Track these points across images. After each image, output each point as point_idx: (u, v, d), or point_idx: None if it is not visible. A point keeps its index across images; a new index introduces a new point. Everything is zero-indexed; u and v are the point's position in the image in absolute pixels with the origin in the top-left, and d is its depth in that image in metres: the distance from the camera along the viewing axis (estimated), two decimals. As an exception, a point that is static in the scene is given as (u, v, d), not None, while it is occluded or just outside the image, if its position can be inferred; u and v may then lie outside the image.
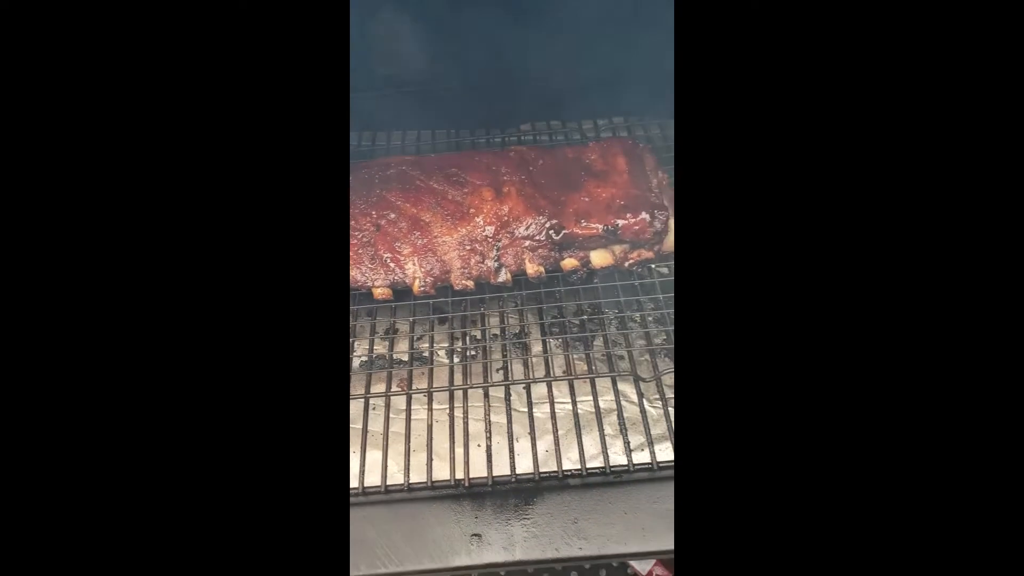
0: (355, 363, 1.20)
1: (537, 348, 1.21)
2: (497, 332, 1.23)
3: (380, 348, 1.22)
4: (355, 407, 1.12)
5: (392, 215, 1.23)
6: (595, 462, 1.02)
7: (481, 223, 1.20)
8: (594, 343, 1.20)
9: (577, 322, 1.22)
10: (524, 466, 1.02)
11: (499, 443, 1.06)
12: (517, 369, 1.17)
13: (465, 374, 1.15)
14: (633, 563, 1.96)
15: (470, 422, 1.07)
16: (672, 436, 1.04)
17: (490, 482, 1.01)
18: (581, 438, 1.04)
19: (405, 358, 1.20)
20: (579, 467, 1.01)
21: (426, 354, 1.20)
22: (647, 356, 1.15)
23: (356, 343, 1.22)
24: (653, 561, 1.92)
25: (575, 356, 1.17)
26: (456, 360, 1.19)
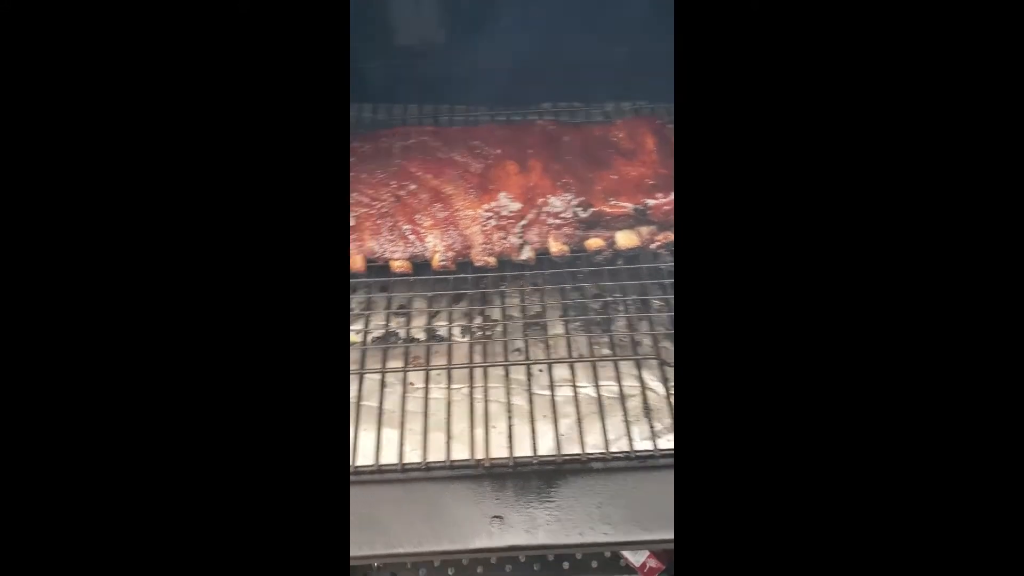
0: (369, 338, 1.16)
1: (558, 329, 1.17)
2: (518, 312, 1.19)
3: (396, 324, 1.18)
4: (369, 383, 1.08)
5: (413, 186, 1.19)
6: (618, 446, 0.99)
7: (505, 198, 1.16)
8: (615, 326, 1.17)
9: (599, 304, 1.19)
10: (545, 448, 0.99)
11: (518, 424, 1.02)
12: (537, 350, 1.14)
13: (484, 354, 1.12)
14: (626, 554, 1.94)
15: (489, 403, 1.04)
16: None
17: (511, 463, 0.97)
18: (604, 421, 1.01)
19: (422, 335, 1.16)
20: (602, 451, 0.98)
21: (443, 332, 1.16)
22: (669, 340, 1.13)
23: (372, 318, 1.18)
24: (647, 553, 1.90)
25: (596, 338, 1.14)
26: (474, 339, 1.15)
